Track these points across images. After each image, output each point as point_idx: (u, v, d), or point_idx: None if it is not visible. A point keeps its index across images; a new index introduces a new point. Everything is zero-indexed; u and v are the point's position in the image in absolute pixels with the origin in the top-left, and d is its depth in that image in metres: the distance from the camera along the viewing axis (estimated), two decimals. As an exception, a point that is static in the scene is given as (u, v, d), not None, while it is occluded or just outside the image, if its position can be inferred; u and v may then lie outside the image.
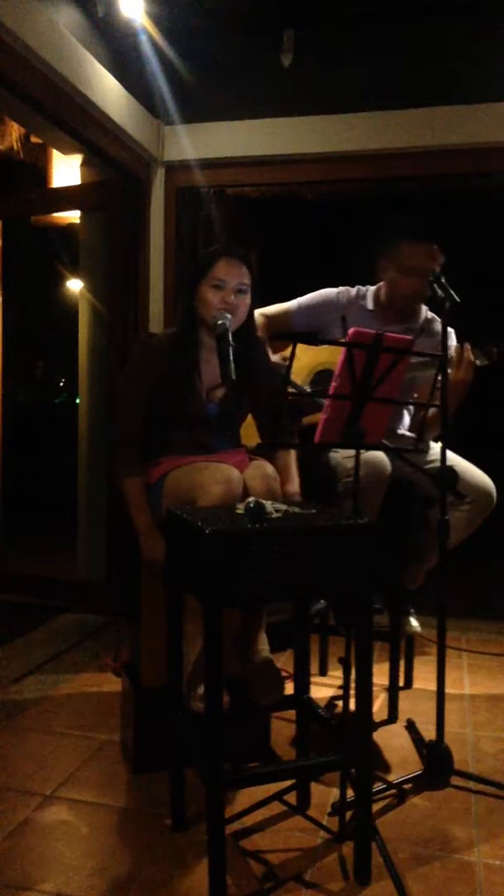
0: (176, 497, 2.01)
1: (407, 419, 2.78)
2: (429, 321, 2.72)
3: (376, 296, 2.70)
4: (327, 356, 2.74)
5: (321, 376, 2.72)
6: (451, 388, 2.19)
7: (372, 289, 2.73)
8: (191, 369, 2.20)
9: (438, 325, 2.69)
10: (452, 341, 2.59)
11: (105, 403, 3.63)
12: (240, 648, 2.04)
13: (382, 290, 2.68)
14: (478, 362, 2.41)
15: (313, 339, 2.71)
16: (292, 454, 2.28)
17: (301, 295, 2.80)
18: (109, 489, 3.53)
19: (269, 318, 2.71)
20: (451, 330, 2.64)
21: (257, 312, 2.70)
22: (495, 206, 4.36)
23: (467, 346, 2.38)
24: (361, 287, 2.75)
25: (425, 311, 2.73)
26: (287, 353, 2.69)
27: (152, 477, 2.16)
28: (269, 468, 2.07)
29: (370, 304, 2.69)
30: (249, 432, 2.42)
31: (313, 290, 2.78)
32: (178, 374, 2.19)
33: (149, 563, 2.11)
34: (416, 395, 2.61)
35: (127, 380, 2.30)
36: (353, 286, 2.76)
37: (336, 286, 2.78)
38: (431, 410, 2.04)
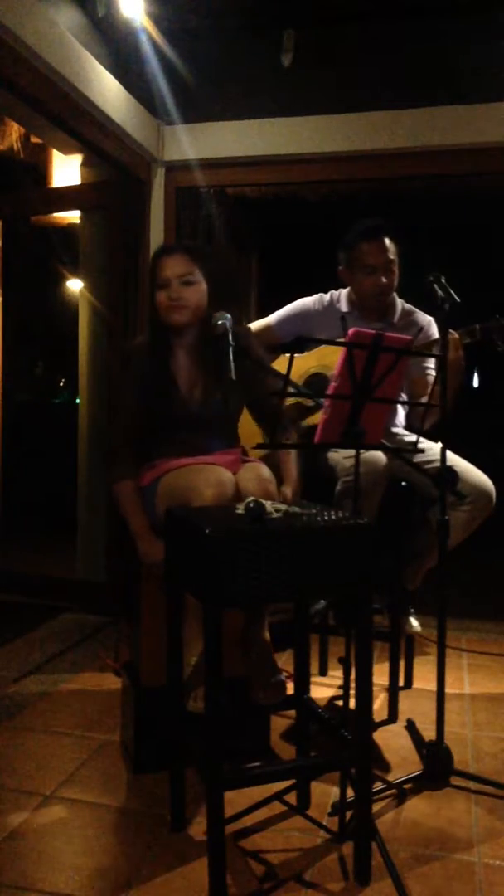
0: (170, 500, 2.01)
1: (402, 415, 2.79)
2: (406, 313, 2.75)
3: (349, 297, 2.75)
4: (316, 360, 2.77)
5: (313, 379, 2.74)
6: (449, 370, 2.23)
7: (344, 291, 2.78)
8: (166, 373, 2.22)
9: (418, 317, 2.73)
10: (433, 332, 2.64)
11: (105, 403, 3.63)
12: (242, 648, 2.04)
13: (353, 293, 2.73)
14: (467, 340, 2.49)
15: (311, 341, 2.71)
16: (292, 453, 2.27)
17: (299, 296, 2.83)
18: (109, 489, 3.53)
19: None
20: (431, 319, 2.69)
21: None
22: (495, 206, 4.35)
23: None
24: (334, 292, 2.81)
25: (401, 304, 2.75)
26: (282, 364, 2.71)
27: (146, 479, 2.16)
28: (265, 470, 2.06)
29: (345, 307, 2.74)
30: (249, 433, 2.42)
31: (313, 291, 2.82)
32: (156, 379, 2.21)
33: (147, 566, 2.11)
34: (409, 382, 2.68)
35: (119, 384, 2.31)
36: (325, 292, 2.81)
37: (336, 288, 2.80)
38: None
